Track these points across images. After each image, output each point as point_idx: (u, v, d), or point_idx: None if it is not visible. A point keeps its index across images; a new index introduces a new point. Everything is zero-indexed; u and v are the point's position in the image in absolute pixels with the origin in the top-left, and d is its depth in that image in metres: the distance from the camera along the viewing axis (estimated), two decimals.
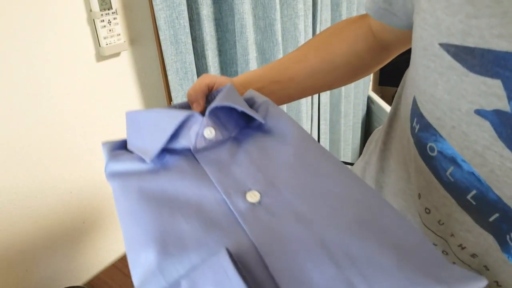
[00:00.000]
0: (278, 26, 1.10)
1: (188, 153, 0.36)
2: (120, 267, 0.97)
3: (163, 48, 0.87)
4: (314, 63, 0.53)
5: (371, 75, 1.94)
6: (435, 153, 0.38)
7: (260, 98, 0.42)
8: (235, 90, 0.42)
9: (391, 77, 2.05)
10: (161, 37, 0.86)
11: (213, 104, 0.36)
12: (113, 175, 0.35)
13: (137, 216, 0.30)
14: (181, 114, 0.35)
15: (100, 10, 0.79)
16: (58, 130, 0.81)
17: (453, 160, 0.36)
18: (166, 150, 0.36)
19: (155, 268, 0.26)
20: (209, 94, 0.45)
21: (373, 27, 0.52)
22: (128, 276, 0.95)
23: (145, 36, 0.91)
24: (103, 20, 0.80)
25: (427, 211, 0.43)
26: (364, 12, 0.54)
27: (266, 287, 0.23)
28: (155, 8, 0.83)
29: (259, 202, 0.29)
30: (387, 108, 1.80)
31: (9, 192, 0.77)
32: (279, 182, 0.30)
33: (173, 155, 0.35)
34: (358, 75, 0.57)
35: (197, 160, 0.35)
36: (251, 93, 0.43)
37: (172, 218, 0.29)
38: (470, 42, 0.30)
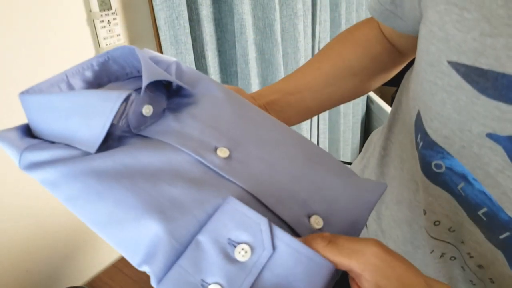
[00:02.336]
0: (277, 27, 1.10)
1: (129, 133, 0.33)
2: (121, 267, 0.98)
3: (163, 48, 0.88)
4: (329, 70, 0.50)
5: None
6: (442, 170, 0.36)
7: (163, 57, 0.38)
8: (145, 56, 0.35)
9: None
10: (161, 38, 0.86)
11: (146, 80, 0.32)
12: (39, 165, 0.29)
13: (107, 196, 0.27)
14: (116, 94, 0.30)
15: (100, 11, 0.79)
16: None
17: (463, 177, 0.34)
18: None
19: (163, 233, 0.25)
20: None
21: (383, 30, 0.49)
22: (128, 276, 0.95)
23: (145, 37, 0.91)
24: (103, 21, 0.80)
25: (437, 223, 0.42)
26: (363, 13, 0.52)
27: (269, 218, 0.26)
28: (155, 8, 0.83)
29: (230, 157, 0.31)
30: (387, 107, 1.80)
31: (10, 192, 0.77)
32: (237, 137, 0.33)
33: (114, 138, 0.32)
34: (378, 80, 0.53)
35: (144, 136, 0.32)
36: (149, 52, 0.38)
37: (155, 187, 0.27)
38: (483, 64, 0.27)
